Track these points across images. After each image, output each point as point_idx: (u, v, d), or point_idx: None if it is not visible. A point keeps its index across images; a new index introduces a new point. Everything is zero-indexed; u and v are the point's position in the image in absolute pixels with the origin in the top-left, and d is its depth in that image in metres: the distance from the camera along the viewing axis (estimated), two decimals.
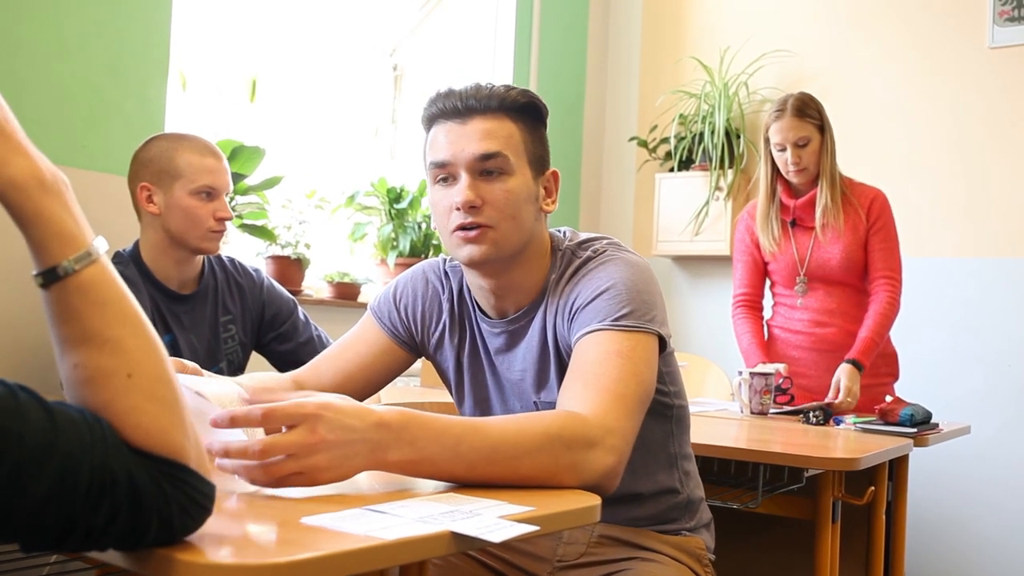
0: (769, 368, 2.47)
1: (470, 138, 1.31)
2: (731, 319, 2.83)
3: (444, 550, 0.84)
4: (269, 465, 0.95)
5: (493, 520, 0.90)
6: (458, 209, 1.31)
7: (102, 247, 0.77)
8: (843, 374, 2.51)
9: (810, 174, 2.67)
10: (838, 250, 2.65)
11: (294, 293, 2.81)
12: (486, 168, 1.31)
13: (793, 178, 2.68)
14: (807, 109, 2.65)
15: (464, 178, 1.31)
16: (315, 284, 3.17)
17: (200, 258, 2.13)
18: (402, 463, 1.02)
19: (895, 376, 2.80)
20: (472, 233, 1.31)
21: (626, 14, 4.27)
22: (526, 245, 1.36)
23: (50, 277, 0.74)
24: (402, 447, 1.01)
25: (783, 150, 2.65)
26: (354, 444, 0.98)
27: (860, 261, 2.68)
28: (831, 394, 2.50)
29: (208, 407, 1.04)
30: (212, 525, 0.80)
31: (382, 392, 1.60)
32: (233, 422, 0.98)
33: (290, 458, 0.95)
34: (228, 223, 2.08)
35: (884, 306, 2.62)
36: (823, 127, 2.66)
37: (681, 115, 3.92)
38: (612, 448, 1.14)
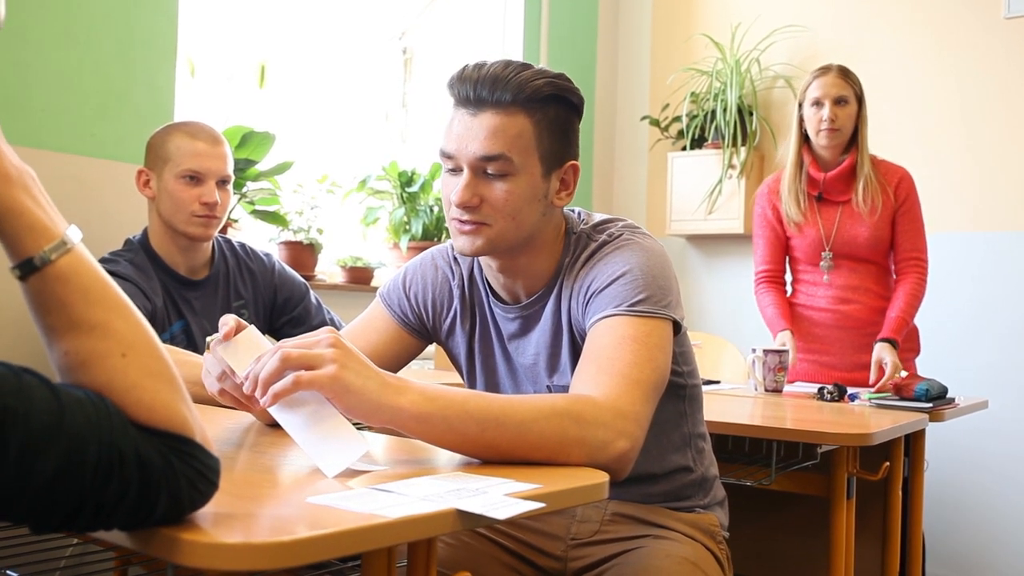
0: (780, 340, 2.48)
1: (475, 135, 1.28)
2: (754, 295, 2.81)
3: (449, 528, 0.85)
4: (301, 354, 1.02)
5: (499, 498, 0.89)
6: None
7: (76, 236, 0.77)
8: (884, 352, 2.50)
9: (842, 136, 2.63)
10: (865, 227, 2.64)
11: (307, 278, 2.81)
12: (487, 169, 1.29)
13: (823, 139, 2.62)
14: (850, 75, 2.67)
15: (465, 175, 1.29)
16: (328, 269, 3.18)
17: (208, 244, 2.13)
18: (415, 413, 1.03)
19: (916, 351, 2.78)
20: (467, 227, 1.30)
21: None
22: (528, 239, 1.34)
23: (27, 268, 0.75)
24: (412, 392, 1.05)
25: (820, 107, 2.62)
26: (371, 374, 1.04)
27: (885, 239, 2.67)
28: (874, 374, 2.47)
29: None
30: (217, 505, 0.80)
31: None
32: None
33: (327, 347, 1.03)
34: (231, 210, 2.07)
35: (913, 286, 2.62)
36: (861, 99, 2.67)
37: (693, 93, 3.89)
38: (623, 432, 1.13)
